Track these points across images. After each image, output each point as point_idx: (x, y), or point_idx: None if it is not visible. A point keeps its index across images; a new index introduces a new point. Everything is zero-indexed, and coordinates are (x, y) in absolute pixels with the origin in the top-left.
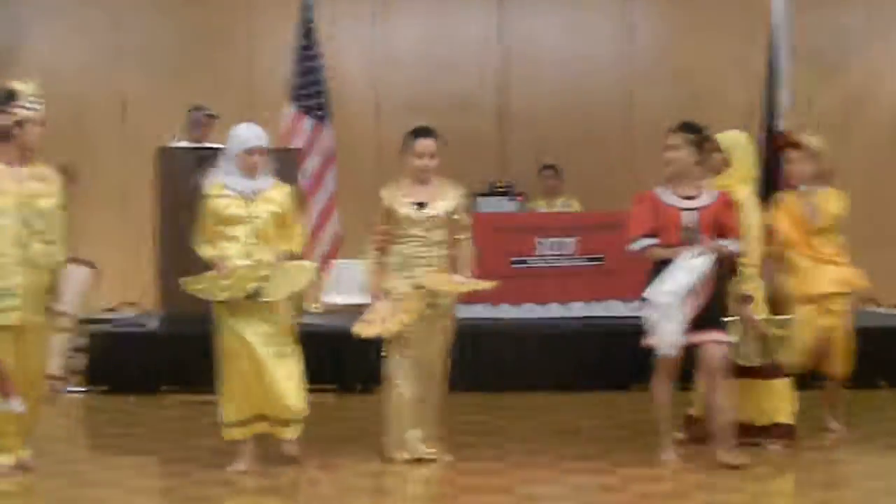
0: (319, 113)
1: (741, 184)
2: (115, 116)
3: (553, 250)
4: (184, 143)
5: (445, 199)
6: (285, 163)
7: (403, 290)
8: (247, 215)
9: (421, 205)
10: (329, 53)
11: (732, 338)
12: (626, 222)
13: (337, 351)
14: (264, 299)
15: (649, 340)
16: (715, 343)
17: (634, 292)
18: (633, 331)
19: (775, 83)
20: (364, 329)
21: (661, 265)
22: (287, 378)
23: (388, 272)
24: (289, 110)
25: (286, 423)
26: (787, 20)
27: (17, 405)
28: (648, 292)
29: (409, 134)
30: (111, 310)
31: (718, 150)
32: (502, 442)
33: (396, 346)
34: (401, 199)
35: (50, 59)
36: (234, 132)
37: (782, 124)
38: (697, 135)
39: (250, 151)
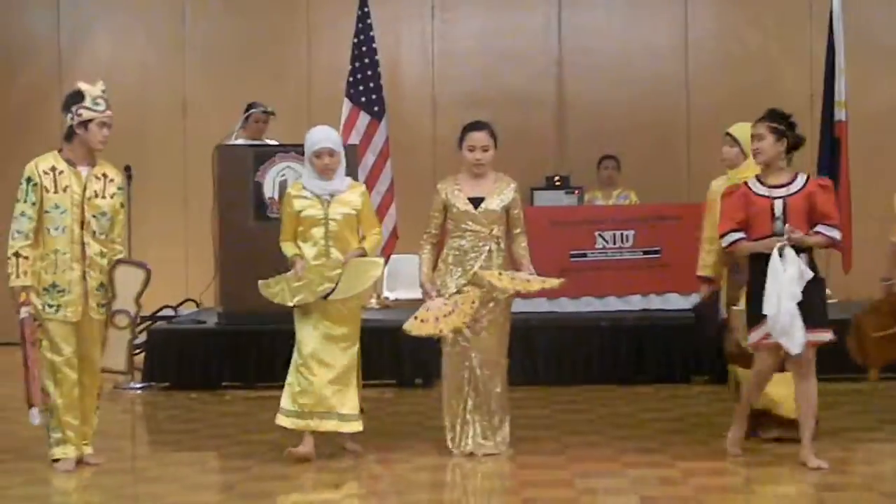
0: (375, 109)
1: None
2: (176, 113)
3: (612, 243)
4: (240, 141)
5: (502, 194)
6: (346, 159)
7: (459, 287)
8: (322, 217)
9: (477, 199)
10: (386, 48)
11: (829, 335)
12: (681, 215)
13: (395, 346)
14: (334, 298)
15: (779, 341)
16: (811, 343)
17: (692, 285)
18: (691, 324)
19: (832, 74)
20: (416, 327)
21: (757, 259)
22: (344, 381)
23: (444, 267)
24: (346, 106)
25: (344, 419)
26: (845, 10)
27: (34, 417)
28: (768, 309)
29: (464, 129)
30: (173, 307)
31: (733, 143)
32: (561, 435)
33: (455, 341)
34: (457, 194)
35: (112, 56)
36: (307, 135)
37: (838, 115)
38: (781, 122)
39: (319, 154)
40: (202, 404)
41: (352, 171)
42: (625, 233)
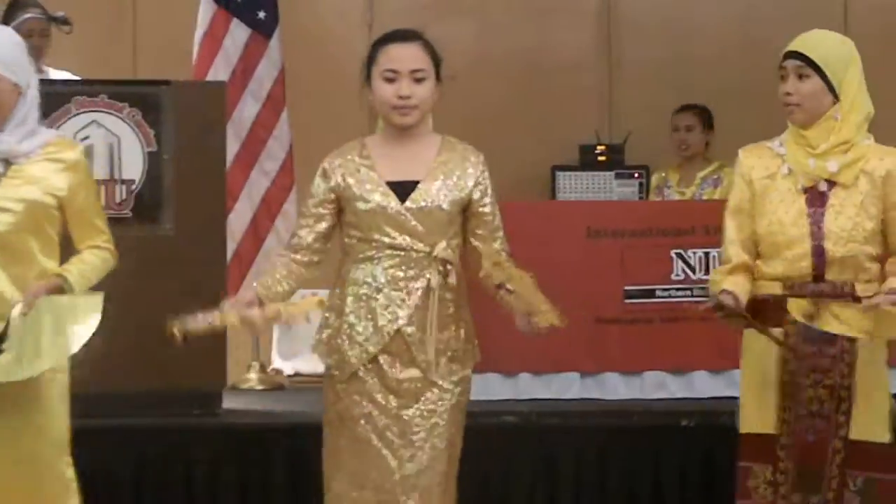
0: (260, 16)
1: None
2: None
3: (702, 272)
4: None
5: (454, 174)
6: (200, 109)
7: (371, 357)
8: None
9: (405, 185)
10: None
11: None
12: None
13: (292, 458)
14: (11, 378)
15: None
16: None
17: None
18: None
19: None
20: (190, 323)
21: None
22: None
23: (335, 318)
24: (206, 8)
25: None
26: None
27: None
28: None
29: (375, 44)
30: None
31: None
32: None
33: (340, 456)
34: (365, 175)
35: None
36: None
37: None
38: None
39: None
40: None
41: (217, 128)
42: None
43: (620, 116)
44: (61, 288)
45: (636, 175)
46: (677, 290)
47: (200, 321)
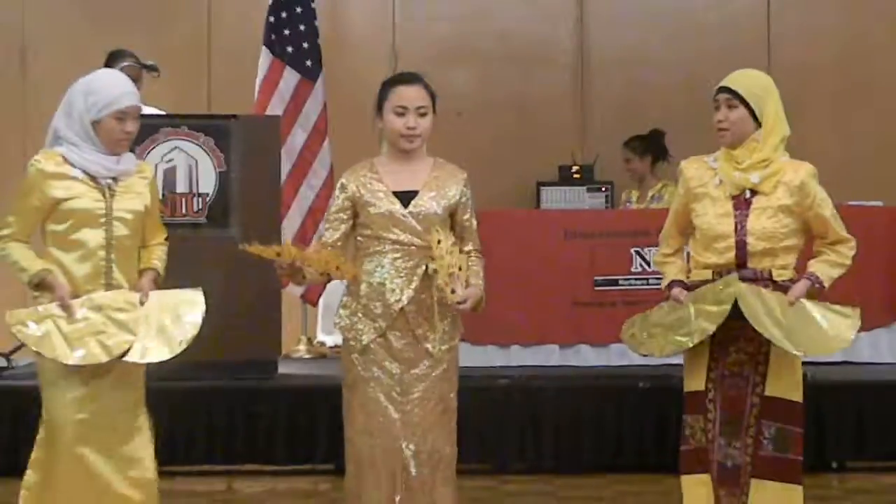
0: (308, 64)
1: None
2: (11, 64)
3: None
4: None
5: (444, 188)
6: (260, 137)
7: (380, 332)
8: (104, 213)
9: (406, 194)
10: None
11: None
12: None
13: (334, 414)
14: (139, 359)
15: None
16: None
17: None
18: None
19: None
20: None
21: None
22: (136, 483)
23: (353, 302)
24: (265, 59)
25: None
26: None
27: None
28: None
29: (385, 84)
30: None
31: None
32: None
33: (355, 411)
34: (374, 185)
35: None
36: (93, 85)
37: None
38: None
39: (122, 115)
40: None
41: (273, 155)
42: None
43: (590, 143)
44: (157, 278)
45: (603, 189)
46: (636, 279)
47: (269, 249)
